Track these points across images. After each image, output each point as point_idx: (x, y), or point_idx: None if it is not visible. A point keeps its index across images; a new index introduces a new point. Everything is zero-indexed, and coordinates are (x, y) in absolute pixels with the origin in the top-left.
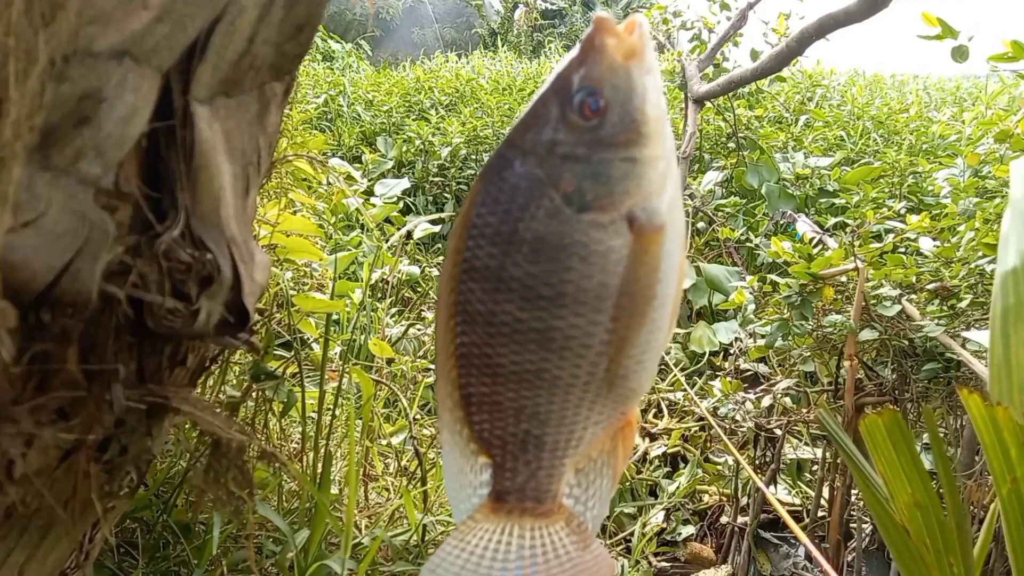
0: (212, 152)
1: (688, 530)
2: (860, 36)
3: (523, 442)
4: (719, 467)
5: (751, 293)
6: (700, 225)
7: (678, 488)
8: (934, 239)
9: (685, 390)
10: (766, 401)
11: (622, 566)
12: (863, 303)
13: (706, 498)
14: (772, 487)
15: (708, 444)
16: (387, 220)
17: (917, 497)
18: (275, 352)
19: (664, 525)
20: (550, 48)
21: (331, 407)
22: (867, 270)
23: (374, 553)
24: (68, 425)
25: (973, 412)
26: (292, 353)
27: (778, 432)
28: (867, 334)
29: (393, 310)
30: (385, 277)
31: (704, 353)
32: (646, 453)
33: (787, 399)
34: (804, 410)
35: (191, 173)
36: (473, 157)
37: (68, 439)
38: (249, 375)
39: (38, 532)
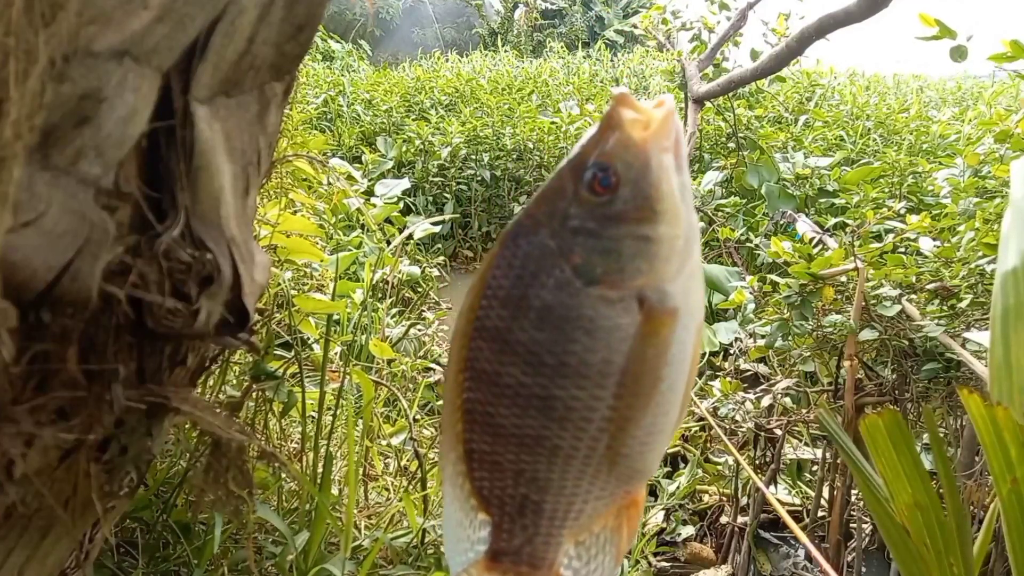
0: (212, 152)
1: (688, 530)
2: (860, 36)
3: (521, 506)
4: (719, 467)
5: (751, 293)
6: (700, 225)
7: (678, 488)
8: (934, 239)
9: None
10: (766, 401)
11: (622, 566)
12: (863, 303)
13: (706, 498)
14: (772, 487)
15: (708, 444)
16: (387, 220)
17: (917, 497)
18: (275, 352)
19: (664, 525)
20: (550, 48)
21: (331, 408)
22: (867, 270)
23: (374, 556)
24: (68, 425)
25: (973, 412)
26: (292, 353)
27: (778, 432)
28: (867, 334)
29: (394, 310)
30: (386, 277)
31: (704, 353)
32: None
33: (787, 399)
34: (804, 410)
35: (191, 173)
36: (473, 157)
37: (68, 439)
38: (249, 375)
39: (38, 532)
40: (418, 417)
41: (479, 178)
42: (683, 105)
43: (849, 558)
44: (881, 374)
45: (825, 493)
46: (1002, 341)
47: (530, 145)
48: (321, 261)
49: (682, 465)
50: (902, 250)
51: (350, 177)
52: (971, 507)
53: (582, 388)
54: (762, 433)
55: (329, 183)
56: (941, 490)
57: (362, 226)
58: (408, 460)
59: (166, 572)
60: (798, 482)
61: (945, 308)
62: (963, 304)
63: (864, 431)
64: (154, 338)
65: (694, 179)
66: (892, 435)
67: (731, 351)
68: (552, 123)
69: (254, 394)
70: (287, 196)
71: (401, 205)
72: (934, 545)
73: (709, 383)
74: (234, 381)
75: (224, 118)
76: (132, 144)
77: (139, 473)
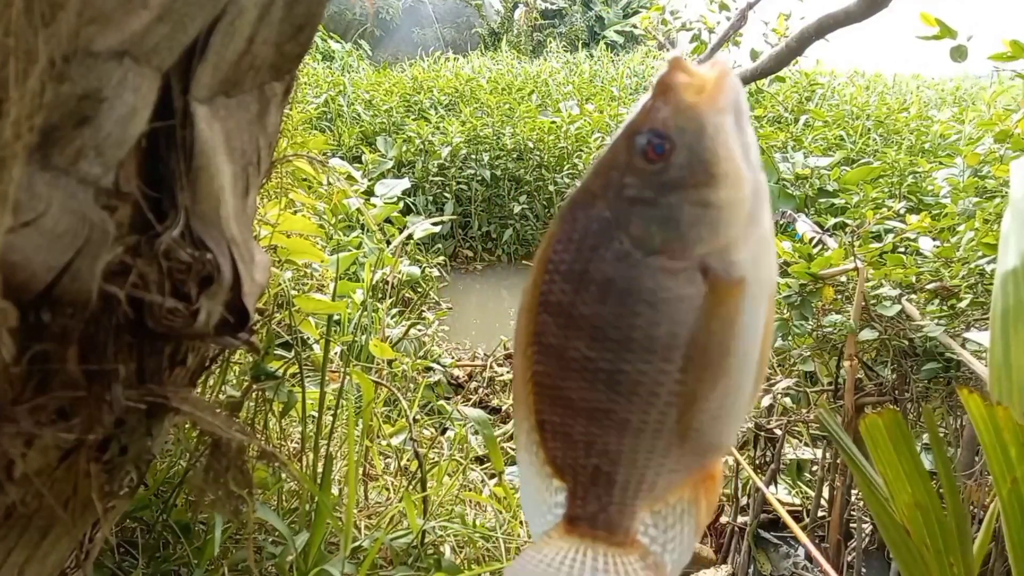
0: (212, 152)
1: None
2: (860, 36)
3: (594, 475)
4: None
5: None
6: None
7: None
8: (934, 239)
9: None
10: (766, 401)
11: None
12: (863, 303)
13: None
14: (772, 487)
15: None
16: (387, 220)
17: (917, 497)
18: (275, 352)
19: None
20: (550, 48)
21: (331, 408)
22: (867, 270)
23: (373, 556)
24: (68, 425)
25: (973, 412)
26: (292, 353)
27: (778, 432)
28: (867, 334)
29: (394, 311)
30: (386, 278)
31: None
32: None
33: (787, 399)
34: (804, 410)
35: (191, 173)
36: (473, 157)
37: (68, 439)
38: (249, 375)
39: (38, 532)
40: (418, 417)
41: (479, 178)
42: None
43: (849, 558)
44: (881, 374)
45: (825, 493)
46: (1002, 341)
47: (530, 145)
48: (321, 261)
49: None
50: (902, 250)
51: (350, 177)
52: (971, 507)
53: (648, 362)
54: (762, 433)
55: (329, 183)
56: (941, 490)
57: (362, 226)
58: (408, 460)
59: (166, 572)
60: (798, 482)
61: (945, 308)
62: (963, 304)
63: (864, 431)
64: (154, 338)
65: None
66: (892, 435)
67: None
68: (552, 123)
69: (254, 394)
70: (287, 196)
71: (401, 205)
72: (934, 545)
73: None
74: (234, 381)
75: (224, 118)
76: (132, 144)
77: (139, 473)
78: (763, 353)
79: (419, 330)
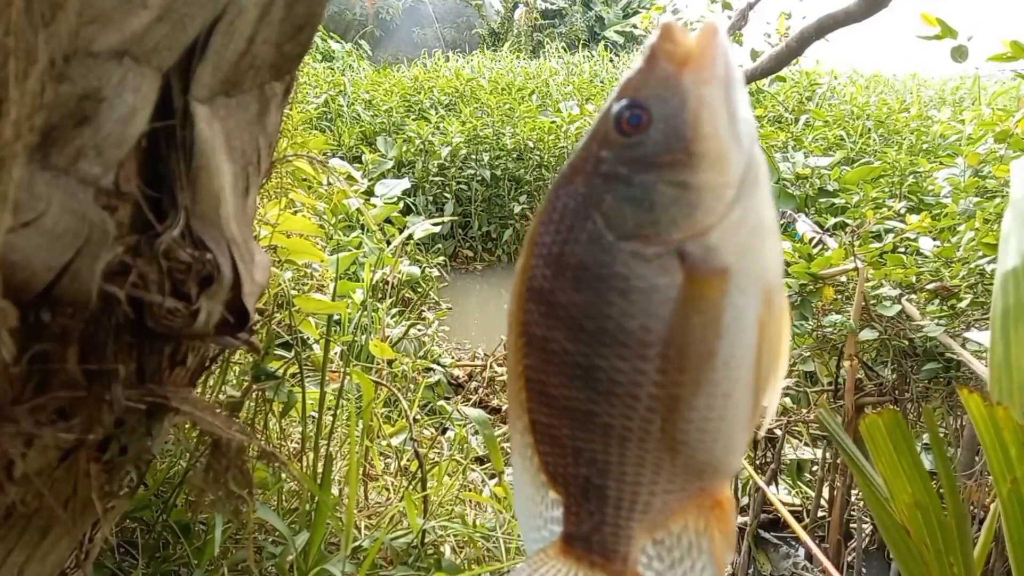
0: (212, 152)
1: None
2: (860, 36)
3: (585, 488)
4: None
5: None
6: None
7: None
8: (934, 239)
9: None
10: None
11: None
12: (863, 303)
13: None
14: (772, 487)
15: None
16: (387, 220)
17: (917, 497)
18: (275, 352)
19: None
20: (550, 48)
21: (331, 408)
22: (867, 270)
23: (373, 556)
24: (68, 425)
25: (973, 412)
26: (292, 353)
27: (778, 432)
28: (867, 334)
29: (394, 311)
30: (386, 278)
31: None
32: None
33: (787, 399)
34: (804, 410)
35: (191, 173)
36: (473, 157)
37: (68, 439)
38: (249, 375)
39: (38, 532)
40: (418, 417)
41: (479, 178)
42: None
43: (849, 558)
44: (881, 374)
45: (825, 493)
46: (1002, 341)
47: (530, 145)
48: (321, 261)
49: None
50: (902, 250)
51: (350, 177)
52: (971, 507)
53: (623, 358)
54: (762, 433)
55: (329, 183)
56: (941, 490)
57: (362, 226)
58: (408, 460)
59: (166, 572)
60: (798, 482)
61: (945, 308)
62: (963, 304)
63: (864, 431)
64: (154, 338)
65: None
66: (892, 435)
67: None
68: (552, 123)
69: (254, 394)
70: (287, 196)
71: (401, 205)
72: (934, 545)
73: None
74: (234, 381)
75: (224, 118)
76: (132, 144)
77: (139, 473)
78: (765, 361)
79: (419, 330)
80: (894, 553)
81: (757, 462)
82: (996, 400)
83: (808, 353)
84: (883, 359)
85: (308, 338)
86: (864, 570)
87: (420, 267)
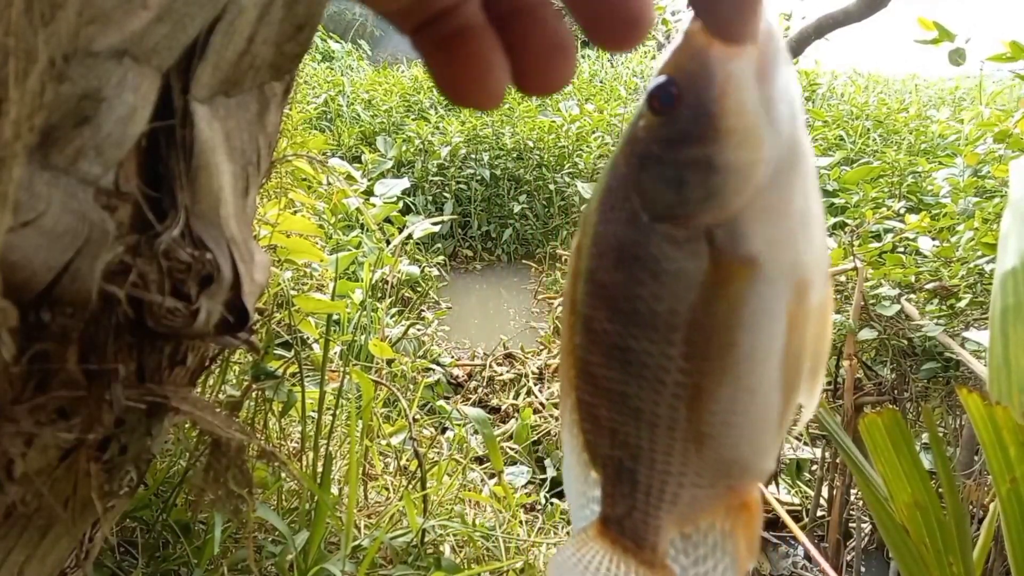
0: (212, 152)
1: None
2: (860, 36)
3: (618, 470)
4: None
5: None
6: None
7: None
8: (933, 239)
9: None
10: None
11: None
12: (862, 303)
13: None
14: (772, 487)
15: None
16: (387, 220)
17: (917, 497)
18: (275, 352)
19: None
20: None
21: (331, 407)
22: (866, 270)
23: (373, 555)
24: (68, 425)
25: (972, 411)
26: (292, 353)
27: None
28: (866, 334)
29: (393, 310)
30: (385, 277)
31: None
32: None
33: None
34: None
35: (191, 173)
36: (473, 156)
37: (68, 439)
38: (249, 375)
39: (38, 531)
40: (417, 417)
41: (479, 177)
42: None
43: (848, 557)
44: (880, 373)
45: (824, 492)
46: (1001, 340)
47: (530, 144)
48: (321, 261)
49: None
50: (901, 250)
51: (350, 177)
52: (970, 506)
53: (652, 341)
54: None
55: (329, 183)
56: (940, 489)
57: (361, 226)
58: (408, 459)
59: (166, 571)
60: (797, 482)
61: (944, 308)
62: (962, 304)
63: (863, 430)
64: (154, 338)
65: None
66: (891, 434)
67: None
68: (552, 123)
69: (254, 394)
70: (287, 196)
71: (401, 205)
72: (933, 544)
73: None
74: (234, 381)
75: (224, 118)
76: (132, 144)
77: (139, 473)
78: (795, 360)
79: (418, 330)
80: (893, 552)
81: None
82: (995, 400)
83: None
84: (882, 359)
85: (308, 338)
86: (863, 569)
87: (420, 267)
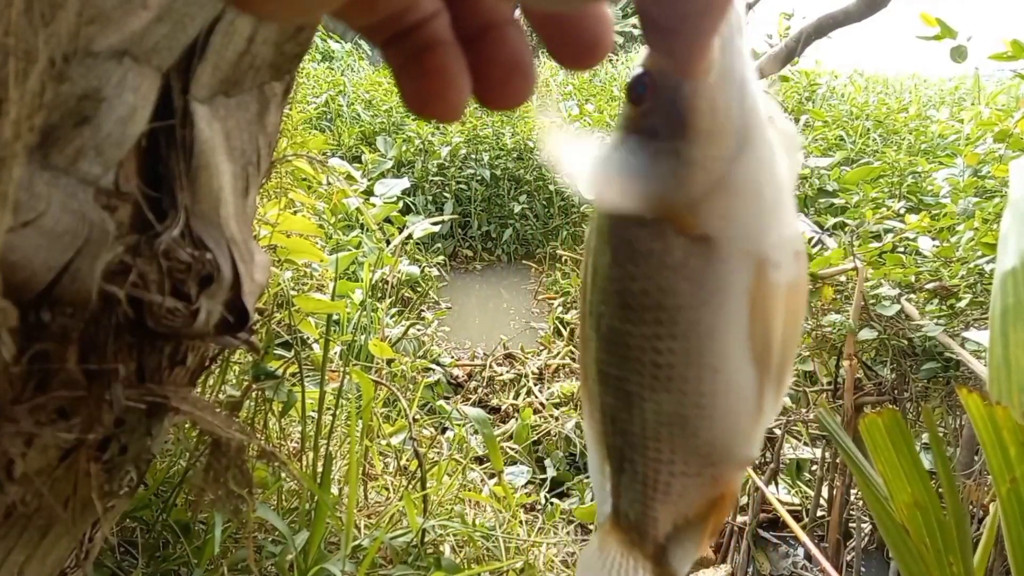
0: (212, 152)
1: None
2: (860, 36)
3: (620, 459)
4: None
5: None
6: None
7: None
8: (933, 239)
9: None
10: None
11: None
12: (862, 303)
13: None
14: (772, 486)
15: None
16: (387, 220)
17: (917, 496)
18: (275, 352)
19: None
20: None
21: (331, 407)
22: (866, 270)
23: (373, 555)
24: (68, 425)
25: (972, 411)
26: (292, 353)
27: (777, 432)
28: (866, 334)
29: (393, 310)
30: (385, 277)
31: None
32: None
33: (786, 399)
34: (803, 410)
35: (191, 173)
36: (473, 156)
37: (68, 438)
38: (249, 375)
39: (38, 531)
40: (417, 417)
41: (479, 178)
42: None
43: (848, 557)
44: (880, 373)
45: (824, 492)
46: (1001, 340)
47: (530, 144)
48: (321, 261)
49: None
50: (901, 250)
51: (350, 177)
52: (970, 506)
53: (632, 322)
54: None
55: (329, 183)
56: (940, 489)
57: (361, 226)
58: (408, 459)
59: (166, 571)
60: (797, 481)
61: (944, 308)
62: (962, 304)
63: (863, 430)
64: (154, 338)
65: None
66: (891, 434)
67: None
68: (552, 123)
69: (254, 394)
70: (287, 196)
71: (401, 205)
72: (933, 544)
73: None
74: (234, 381)
75: (224, 118)
76: (132, 144)
77: (139, 472)
78: (760, 340)
79: (418, 330)
80: (893, 552)
81: (756, 461)
82: (995, 400)
83: (807, 352)
84: (882, 359)
85: (308, 338)
86: (863, 569)
87: (420, 267)
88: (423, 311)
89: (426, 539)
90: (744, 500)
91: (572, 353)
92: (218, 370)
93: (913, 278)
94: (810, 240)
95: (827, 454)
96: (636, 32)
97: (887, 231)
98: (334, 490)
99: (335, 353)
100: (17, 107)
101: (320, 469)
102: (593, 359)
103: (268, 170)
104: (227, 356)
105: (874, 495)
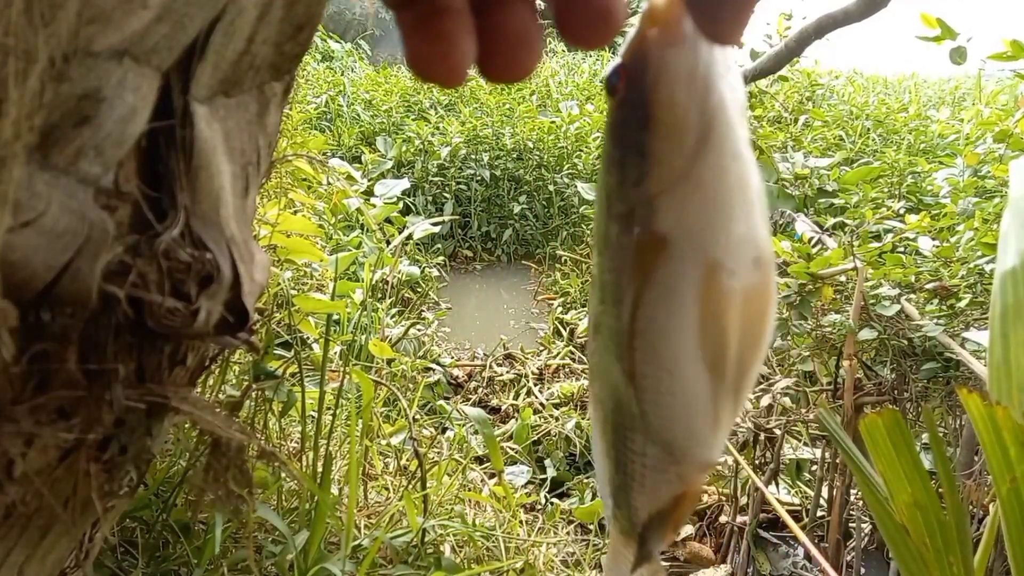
0: (212, 152)
1: (687, 529)
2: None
3: (616, 453)
4: (718, 467)
5: None
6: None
7: None
8: (933, 239)
9: None
10: (765, 401)
11: None
12: (862, 303)
13: (705, 497)
14: (772, 487)
15: None
16: (387, 220)
17: (917, 497)
18: (275, 352)
19: None
20: (551, 48)
21: (331, 407)
22: (866, 270)
23: (373, 555)
24: (68, 425)
25: (972, 412)
26: (292, 353)
27: (777, 432)
28: (866, 334)
29: (393, 310)
30: (385, 277)
31: None
32: None
33: (786, 399)
34: (803, 410)
35: (191, 173)
36: (472, 157)
37: (68, 438)
38: (249, 375)
39: (38, 531)
40: (417, 417)
41: (479, 178)
42: None
43: (848, 557)
44: (880, 374)
45: (824, 493)
46: (1001, 340)
47: (530, 145)
48: (321, 261)
49: None
50: (901, 250)
51: (350, 177)
52: (970, 506)
53: (607, 314)
54: (761, 432)
55: (329, 183)
56: (940, 489)
57: (362, 226)
58: (408, 459)
59: (166, 571)
60: (797, 482)
61: (944, 308)
62: (962, 304)
63: (863, 431)
64: (154, 338)
65: None
66: (892, 435)
67: None
68: (552, 123)
69: (254, 394)
70: (287, 196)
71: (401, 205)
72: (933, 544)
73: None
74: (234, 381)
75: (224, 118)
76: (132, 144)
77: (139, 472)
78: (713, 346)
79: (419, 330)
80: (893, 552)
81: (756, 462)
82: (995, 400)
83: (807, 353)
84: (882, 359)
85: (308, 337)
86: (863, 569)
87: (420, 267)
88: (423, 311)
89: (426, 539)
90: (744, 500)
91: (572, 353)
92: (218, 370)
93: (913, 278)
94: (810, 240)
95: (827, 454)
96: None
97: (887, 231)
98: (334, 490)
99: (335, 353)
100: (17, 107)
101: (320, 469)
102: (590, 348)
103: (268, 170)
104: (227, 356)
105: (874, 495)
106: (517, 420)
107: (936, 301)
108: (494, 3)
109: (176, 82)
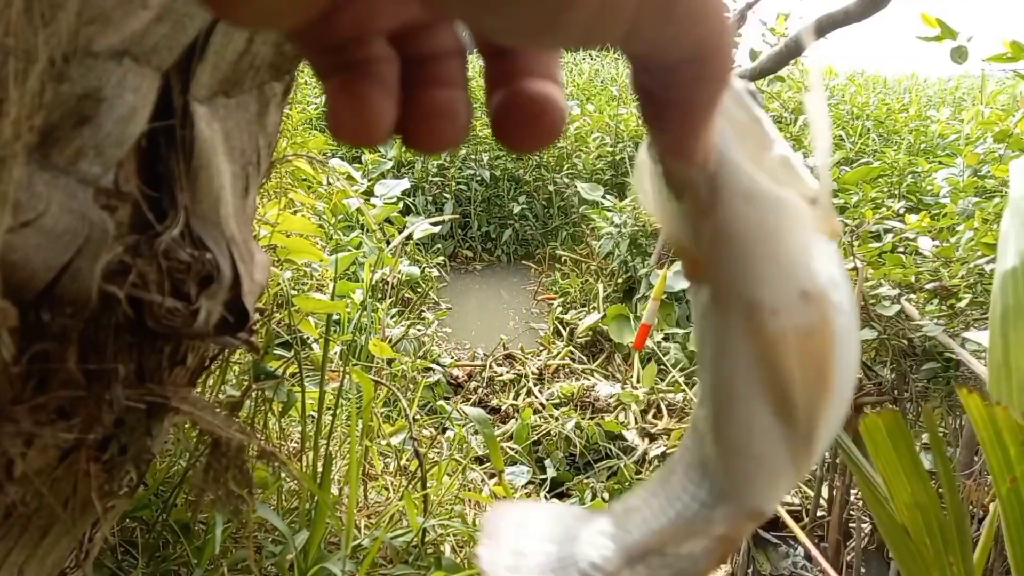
0: (212, 152)
1: None
2: (860, 36)
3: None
4: None
5: None
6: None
7: None
8: (933, 239)
9: (684, 390)
10: None
11: None
12: (862, 303)
13: None
14: None
15: None
16: (387, 220)
17: (917, 497)
18: (275, 352)
19: None
20: None
21: (331, 407)
22: (866, 270)
23: (373, 555)
24: (68, 425)
25: (972, 412)
26: (292, 353)
27: None
28: (866, 334)
29: (393, 311)
30: (385, 278)
31: None
32: (645, 453)
33: None
34: None
35: (191, 173)
36: (472, 157)
37: (68, 438)
38: (249, 375)
39: (38, 531)
40: (418, 417)
41: (479, 178)
42: None
43: (848, 558)
44: (880, 374)
45: (824, 493)
46: (1001, 341)
47: None
48: (321, 261)
49: None
50: (901, 250)
51: (350, 177)
52: (970, 506)
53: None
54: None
55: (329, 183)
56: (940, 489)
57: (362, 226)
58: (408, 459)
59: (166, 572)
60: None
61: (944, 308)
62: (962, 304)
63: (863, 431)
64: (154, 338)
65: None
66: (892, 435)
67: None
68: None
69: (254, 394)
70: (287, 196)
71: (401, 205)
72: (933, 544)
73: None
74: (234, 381)
75: (224, 118)
76: (132, 144)
77: (139, 472)
78: (776, 393)
79: (419, 330)
80: (894, 552)
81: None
82: (995, 400)
83: None
84: (882, 359)
85: (308, 337)
86: (863, 569)
87: (420, 267)
88: (423, 311)
89: (426, 539)
90: None
91: (572, 353)
92: (218, 370)
93: (913, 278)
94: None
95: (827, 454)
96: None
97: (887, 231)
98: (334, 490)
99: (335, 353)
100: (17, 107)
101: (320, 469)
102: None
103: (268, 170)
104: (227, 356)
105: (874, 495)
106: (517, 420)
107: (936, 301)
108: (426, 81)
109: (176, 82)
